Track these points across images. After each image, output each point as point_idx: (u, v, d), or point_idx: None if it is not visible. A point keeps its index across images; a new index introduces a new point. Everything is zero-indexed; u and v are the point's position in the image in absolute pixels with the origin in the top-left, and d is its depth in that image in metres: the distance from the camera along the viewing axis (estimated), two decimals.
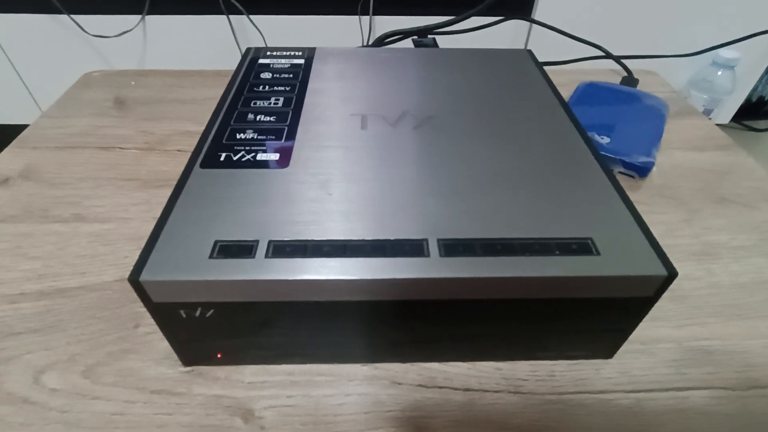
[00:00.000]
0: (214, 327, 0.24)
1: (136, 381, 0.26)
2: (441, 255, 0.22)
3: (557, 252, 0.22)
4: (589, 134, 0.42)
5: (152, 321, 0.24)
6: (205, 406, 0.25)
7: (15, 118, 0.90)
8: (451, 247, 0.22)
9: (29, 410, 0.25)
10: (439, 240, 0.23)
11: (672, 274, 0.22)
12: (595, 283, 0.22)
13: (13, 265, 0.33)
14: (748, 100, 1.12)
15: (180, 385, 0.26)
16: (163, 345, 0.28)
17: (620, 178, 0.41)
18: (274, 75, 0.38)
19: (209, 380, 0.27)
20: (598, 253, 0.22)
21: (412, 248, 0.22)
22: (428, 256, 0.22)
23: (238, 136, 0.30)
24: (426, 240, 0.23)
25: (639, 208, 0.25)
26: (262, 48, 0.42)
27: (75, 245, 0.34)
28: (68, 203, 0.38)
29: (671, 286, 0.22)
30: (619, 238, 0.23)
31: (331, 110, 0.33)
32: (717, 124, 0.49)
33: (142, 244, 0.23)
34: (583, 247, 0.22)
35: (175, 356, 0.27)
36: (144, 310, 0.23)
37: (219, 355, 0.26)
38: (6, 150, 0.43)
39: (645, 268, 0.22)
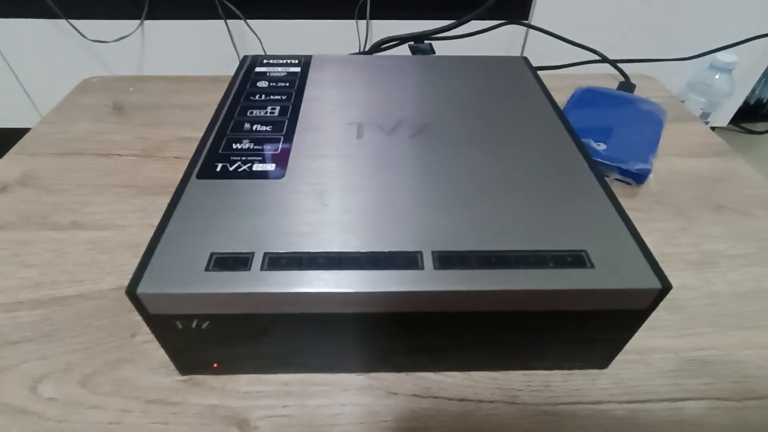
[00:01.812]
0: (210, 338, 0.24)
1: (133, 390, 0.26)
2: (435, 267, 0.22)
3: (552, 265, 0.22)
4: (586, 140, 0.42)
5: (149, 330, 0.24)
6: (201, 415, 0.25)
7: (14, 122, 0.90)
8: (446, 260, 0.22)
9: (25, 420, 0.25)
10: (433, 252, 0.23)
11: (666, 287, 0.22)
12: (590, 296, 0.22)
13: (10, 273, 0.33)
14: (745, 103, 1.12)
15: (176, 394, 0.26)
16: (159, 354, 0.28)
17: (617, 185, 0.41)
18: (271, 83, 0.38)
19: (205, 390, 0.27)
20: (593, 266, 0.22)
21: (407, 261, 0.22)
22: (422, 268, 0.22)
23: (234, 146, 0.30)
24: (420, 252, 0.23)
25: (636, 215, 0.25)
26: (259, 56, 0.42)
27: (73, 253, 0.34)
28: (66, 210, 0.38)
29: (668, 296, 0.22)
30: (614, 250, 0.23)
31: (327, 119, 0.33)
32: (715, 127, 0.49)
33: (140, 251, 0.23)
34: (577, 260, 0.23)
35: (171, 365, 0.27)
36: (141, 319, 0.23)
37: (215, 365, 0.26)
38: (4, 157, 0.43)
39: (639, 281, 0.22)
